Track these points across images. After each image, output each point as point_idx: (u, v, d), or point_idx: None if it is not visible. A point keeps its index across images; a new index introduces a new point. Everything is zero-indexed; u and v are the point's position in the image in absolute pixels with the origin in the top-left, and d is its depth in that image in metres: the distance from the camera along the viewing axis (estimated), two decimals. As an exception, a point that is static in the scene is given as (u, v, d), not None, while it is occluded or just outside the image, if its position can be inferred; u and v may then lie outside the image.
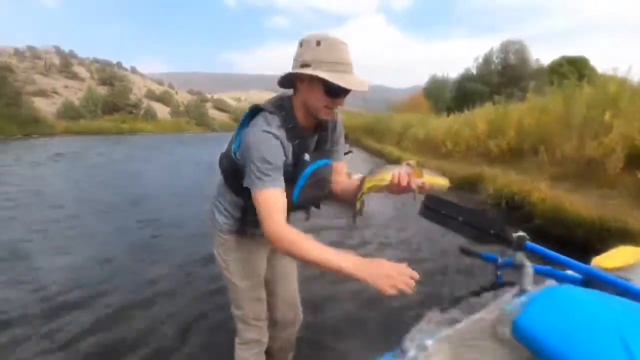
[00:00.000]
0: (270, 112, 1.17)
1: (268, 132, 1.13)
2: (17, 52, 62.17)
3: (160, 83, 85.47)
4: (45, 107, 36.80)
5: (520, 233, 1.42)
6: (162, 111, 55.13)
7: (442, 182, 1.12)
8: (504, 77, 27.66)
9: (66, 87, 50.71)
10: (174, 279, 3.18)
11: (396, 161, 10.01)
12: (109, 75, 56.23)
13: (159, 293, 2.90)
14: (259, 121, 1.16)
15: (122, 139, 27.64)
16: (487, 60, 29.98)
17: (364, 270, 0.92)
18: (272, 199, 1.11)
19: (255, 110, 1.21)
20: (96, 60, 73.39)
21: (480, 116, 9.28)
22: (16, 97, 29.80)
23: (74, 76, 57.48)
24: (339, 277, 0.98)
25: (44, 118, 32.22)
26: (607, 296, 0.78)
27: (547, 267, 1.39)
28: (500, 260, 1.41)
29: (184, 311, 2.61)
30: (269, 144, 1.12)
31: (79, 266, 3.41)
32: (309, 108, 1.17)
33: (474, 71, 30.08)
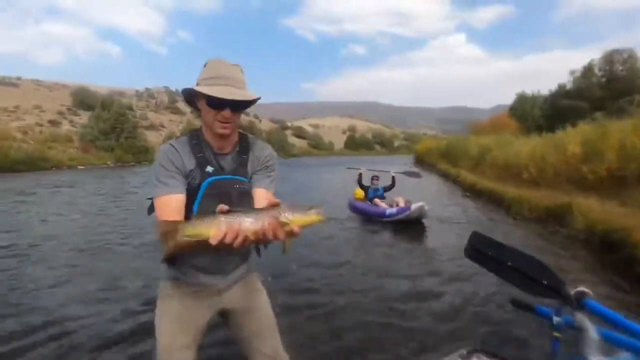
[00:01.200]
0: (184, 135, 1.31)
1: (168, 144, 1.25)
2: (137, 93, 74.85)
3: (246, 114, 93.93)
4: (154, 138, 43.09)
5: (580, 288, 1.16)
6: (246, 139, 60.18)
7: (314, 218, 0.94)
8: (609, 90, 24.02)
9: (170, 120, 58.91)
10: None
11: (471, 187, 9.20)
12: (205, 109, 63.74)
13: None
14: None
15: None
16: (586, 73, 26.49)
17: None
18: (166, 203, 1.16)
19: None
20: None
21: (573, 137, 8.10)
22: (133, 131, 35.67)
23: (177, 111, 66.62)
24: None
25: (152, 148, 37.74)
26: None
27: (620, 335, 1.10)
28: (556, 318, 1.17)
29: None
30: (166, 153, 1.22)
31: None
32: (207, 124, 1.24)
33: (570, 86, 26.76)
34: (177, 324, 1.29)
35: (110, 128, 33.43)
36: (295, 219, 0.91)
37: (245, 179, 1.29)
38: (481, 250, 1.34)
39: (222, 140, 1.27)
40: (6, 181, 14.02)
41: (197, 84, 1.22)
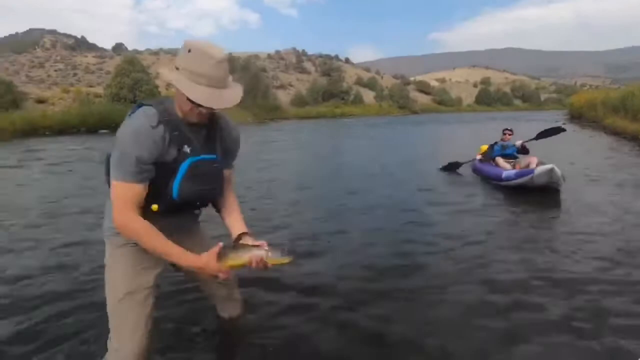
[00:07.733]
0: (149, 106, 1.17)
1: (141, 124, 1.12)
2: (269, 56, 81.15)
3: (368, 70, 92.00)
4: (283, 97, 46.65)
5: None
6: (368, 96, 59.54)
7: (284, 260, 1.25)
8: None
9: (298, 80, 62.42)
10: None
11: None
12: (328, 68, 65.02)
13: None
14: (137, 114, 1.16)
15: (332, 122, 31.62)
16: None
17: (197, 267, 1.22)
18: (129, 193, 1.12)
19: (139, 106, 1.21)
20: (320, 55, 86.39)
21: None
22: (266, 90, 39.33)
23: (304, 70, 69.97)
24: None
25: (281, 106, 41.11)
26: None
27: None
28: None
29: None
30: (138, 136, 1.10)
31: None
32: (181, 110, 1.18)
33: None
34: (133, 275, 1.28)
35: (249, 89, 37.56)
36: (270, 259, 1.25)
37: (217, 157, 1.29)
38: None
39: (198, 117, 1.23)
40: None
41: (177, 68, 1.12)
